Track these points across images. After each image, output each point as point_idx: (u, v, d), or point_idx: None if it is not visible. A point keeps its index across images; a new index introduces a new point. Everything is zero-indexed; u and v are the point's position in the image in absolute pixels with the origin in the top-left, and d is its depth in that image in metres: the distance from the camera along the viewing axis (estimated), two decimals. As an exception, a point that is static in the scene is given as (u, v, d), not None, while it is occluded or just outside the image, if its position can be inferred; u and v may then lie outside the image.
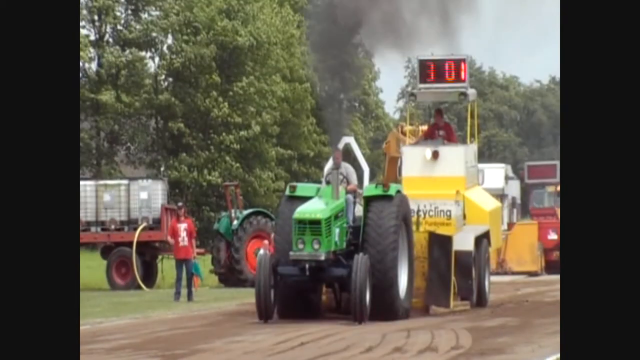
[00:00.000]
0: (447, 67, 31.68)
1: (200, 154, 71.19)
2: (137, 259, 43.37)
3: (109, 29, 74.33)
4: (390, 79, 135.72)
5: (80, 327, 24.52)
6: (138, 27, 73.82)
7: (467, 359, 19.02)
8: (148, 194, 45.12)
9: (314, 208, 24.37)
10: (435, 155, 30.38)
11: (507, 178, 61.36)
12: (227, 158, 70.47)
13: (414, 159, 31.14)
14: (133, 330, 25.10)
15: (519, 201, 60.74)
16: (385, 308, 24.44)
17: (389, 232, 24.51)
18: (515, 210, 59.65)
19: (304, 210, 24.23)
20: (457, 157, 30.88)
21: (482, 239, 30.45)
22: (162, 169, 72.44)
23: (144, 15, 74.83)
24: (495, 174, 61.65)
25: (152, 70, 75.70)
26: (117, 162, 74.73)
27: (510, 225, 55.85)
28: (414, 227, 26.53)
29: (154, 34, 74.01)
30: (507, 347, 20.84)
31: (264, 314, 24.41)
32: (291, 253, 24.25)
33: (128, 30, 73.49)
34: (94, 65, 73.50)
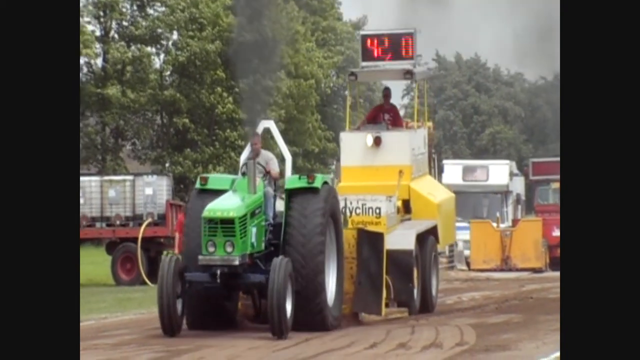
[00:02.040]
0: (392, 43, 28.38)
1: (205, 149, 71.40)
2: (142, 255, 43.59)
3: (114, 25, 74.57)
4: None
5: (85, 323, 24.63)
6: (144, 23, 74.08)
7: (472, 355, 19.04)
8: (153, 190, 45.33)
9: (227, 205, 20.77)
10: (378, 141, 27.10)
11: (511, 175, 61.44)
12: (232, 154, 70.57)
13: (353, 146, 27.86)
14: (138, 326, 25.07)
15: (523, 198, 60.89)
16: (313, 318, 21.24)
17: (314, 232, 21.11)
18: (519, 207, 59.76)
19: (215, 208, 20.70)
20: (402, 143, 27.51)
21: (428, 236, 26.87)
22: (167, 164, 72.61)
23: (150, 11, 75.10)
24: (500, 170, 61.77)
25: (157, 66, 75.93)
26: (122, 158, 74.97)
27: (515, 221, 55.95)
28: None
29: (159, 30, 74.27)
30: (512, 344, 20.88)
31: (168, 327, 20.85)
32: (200, 257, 20.61)
33: (134, 27, 73.76)
34: (99, 61, 73.82)
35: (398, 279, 24.36)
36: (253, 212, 20.89)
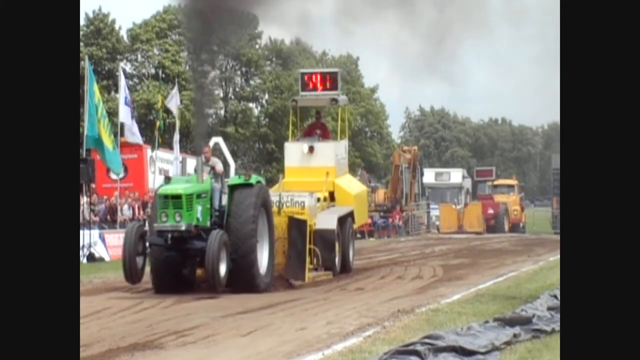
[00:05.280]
0: (322, 79, 24.14)
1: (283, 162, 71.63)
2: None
3: (230, 90, 74.97)
4: (396, 119, 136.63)
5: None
6: (248, 88, 74.53)
7: (441, 283, 18.99)
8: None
9: (177, 185, 17.12)
10: (311, 149, 23.10)
11: (463, 177, 61.43)
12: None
13: (294, 152, 23.69)
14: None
15: (471, 190, 60.73)
16: (247, 282, 16.99)
17: (248, 215, 17.09)
18: (468, 196, 59.64)
19: (167, 187, 17.10)
20: (329, 151, 23.34)
21: (347, 218, 22.41)
22: (262, 172, 72.82)
23: (251, 82, 75.42)
24: (456, 174, 61.79)
25: (256, 114, 76.26)
26: (235, 168, 75.30)
27: (466, 204, 55.82)
28: (276, 213, 19.14)
29: (257, 93, 74.71)
30: (464, 276, 20.83)
31: (129, 277, 16.73)
32: (155, 225, 16.90)
33: (242, 91, 74.23)
34: (222, 112, 74.26)
35: (324, 250, 20.57)
36: (199, 195, 17.07)
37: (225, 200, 17.55)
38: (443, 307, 13.59)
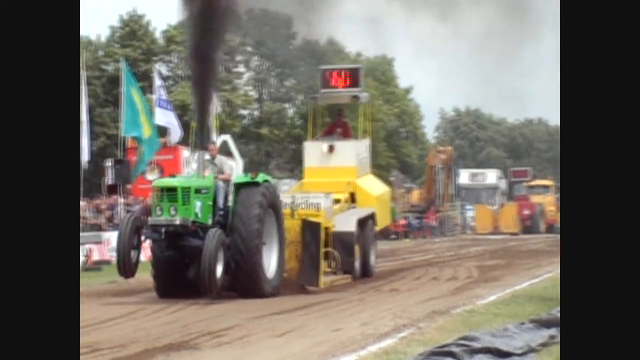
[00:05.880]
0: (344, 75, 23.20)
1: (318, 163, 71.66)
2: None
3: (265, 91, 75.21)
4: (430, 121, 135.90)
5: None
6: (282, 89, 74.71)
7: (476, 284, 18.91)
8: (289, 187, 45.36)
9: (173, 179, 16.32)
10: (331, 148, 22.27)
11: (499, 178, 61.25)
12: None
13: (313, 152, 22.90)
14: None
15: (507, 191, 60.61)
16: (250, 285, 15.85)
17: (253, 215, 15.87)
18: (504, 197, 59.51)
19: (163, 179, 16.47)
20: (349, 150, 22.37)
21: (368, 220, 21.27)
22: (295, 172, 72.96)
23: (286, 83, 75.59)
24: (492, 175, 61.62)
25: (290, 114, 76.46)
26: (270, 169, 75.53)
27: (502, 205, 55.73)
28: (289, 215, 18.07)
29: (292, 94, 74.88)
30: (500, 277, 20.74)
31: (123, 271, 15.65)
32: (150, 219, 15.81)
33: (277, 91, 74.44)
34: (257, 113, 74.46)
35: (343, 253, 19.58)
36: (198, 189, 15.92)
37: (231, 199, 16.46)
38: (478, 308, 13.54)
